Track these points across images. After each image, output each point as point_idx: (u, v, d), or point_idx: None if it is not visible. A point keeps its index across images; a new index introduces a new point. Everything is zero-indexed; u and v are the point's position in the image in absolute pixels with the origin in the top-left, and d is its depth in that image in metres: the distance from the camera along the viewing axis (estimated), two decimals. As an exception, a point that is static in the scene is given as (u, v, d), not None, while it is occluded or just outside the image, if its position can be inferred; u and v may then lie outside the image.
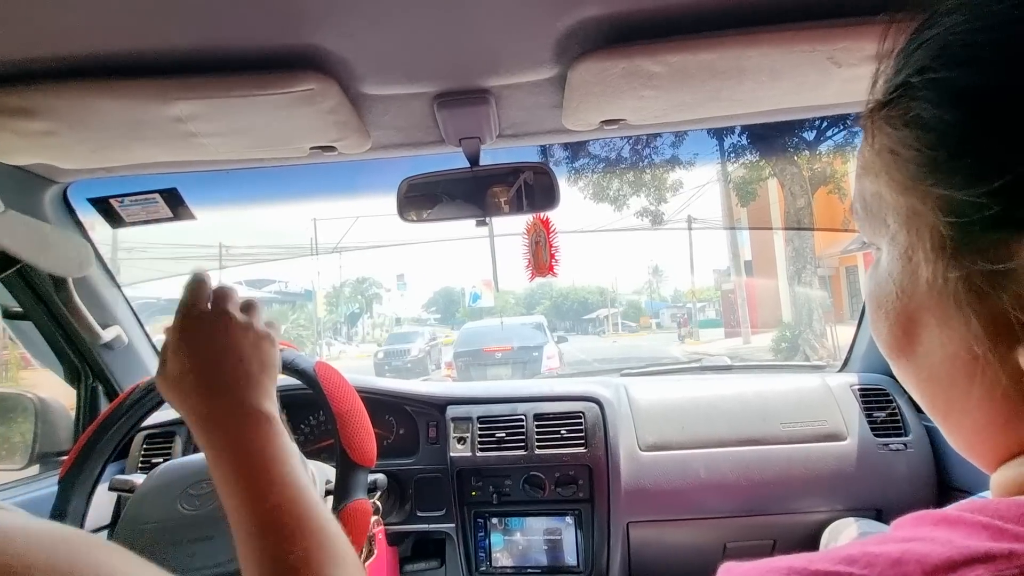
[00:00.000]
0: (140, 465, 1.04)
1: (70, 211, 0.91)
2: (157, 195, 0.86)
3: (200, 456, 0.81)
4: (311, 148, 0.77)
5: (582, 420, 1.06)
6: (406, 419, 1.13)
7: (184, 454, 1.04)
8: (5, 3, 0.51)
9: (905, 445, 0.97)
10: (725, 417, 1.06)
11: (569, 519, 1.03)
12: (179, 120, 0.65)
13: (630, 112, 0.71)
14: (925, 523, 0.27)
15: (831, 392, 1.08)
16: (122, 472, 0.97)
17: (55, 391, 1.07)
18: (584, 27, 0.59)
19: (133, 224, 0.90)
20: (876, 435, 0.99)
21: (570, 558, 1.02)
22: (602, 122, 0.74)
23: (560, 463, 1.03)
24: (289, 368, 0.81)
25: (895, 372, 0.30)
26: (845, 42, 0.56)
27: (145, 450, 1.05)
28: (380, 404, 1.09)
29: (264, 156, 0.79)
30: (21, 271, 0.88)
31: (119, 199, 0.86)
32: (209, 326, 0.48)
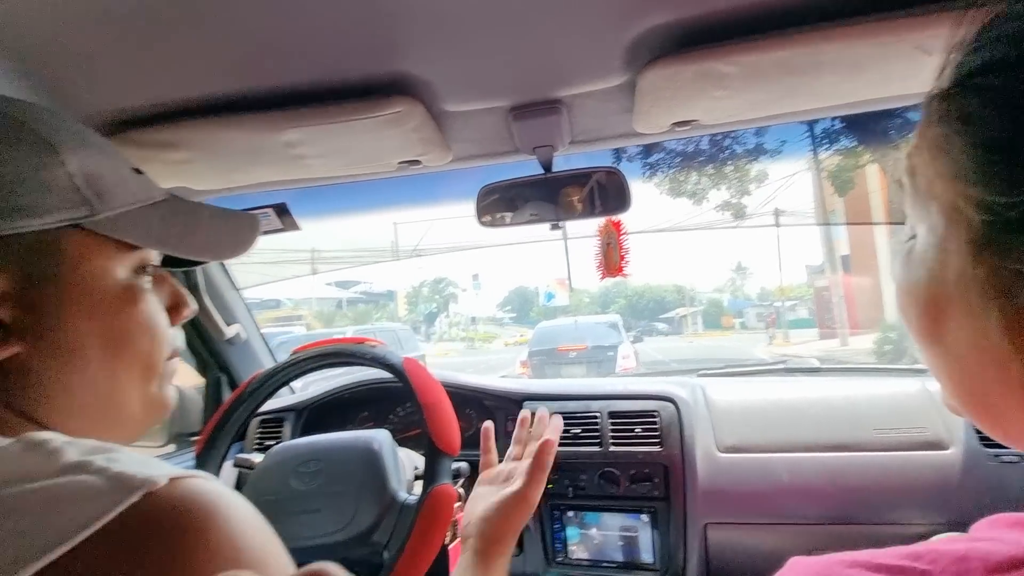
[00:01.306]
0: (255, 446, 1.18)
1: (200, 225, 1.06)
2: (270, 209, 0.98)
3: (307, 439, 0.91)
4: (399, 163, 0.84)
5: (657, 419, 1.06)
6: (485, 413, 1.19)
7: (292, 437, 1.17)
8: (157, 60, 0.62)
9: (1021, 457, 0.88)
10: (811, 421, 1.02)
11: (645, 516, 1.04)
12: (289, 145, 0.75)
13: (702, 113, 0.71)
14: (1000, 525, 0.28)
15: (932, 398, 1.00)
16: (241, 452, 1.11)
17: (186, 380, 1.25)
18: (652, 34, 0.61)
19: (250, 235, 1.03)
20: (985, 445, 0.90)
21: (646, 555, 1.03)
22: (673, 124, 0.75)
23: (635, 460, 1.04)
24: (381, 363, 0.89)
25: (924, 358, 0.31)
26: (935, 30, 0.53)
27: (260, 433, 1.19)
28: (461, 398, 1.15)
29: (358, 172, 0.88)
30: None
31: (239, 214, 0.99)
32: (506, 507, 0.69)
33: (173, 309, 0.46)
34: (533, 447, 0.67)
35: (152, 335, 0.41)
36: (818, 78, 0.62)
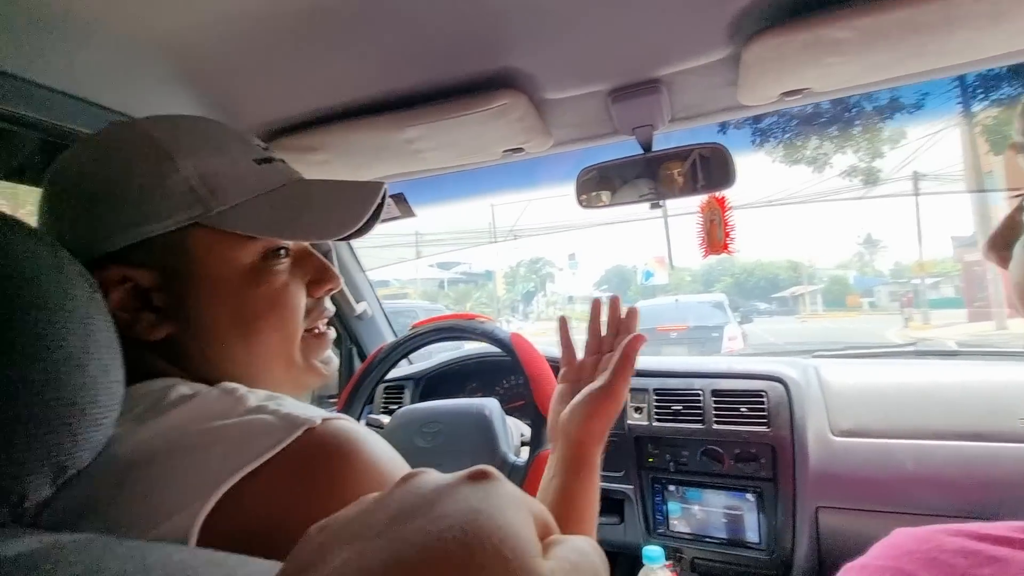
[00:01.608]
0: (381, 409, 1.34)
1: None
2: (390, 199, 1.10)
3: (427, 404, 1.02)
4: (503, 151, 0.90)
5: (764, 399, 1.04)
6: (585, 387, 1.24)
7: (411, 403, 1.31)
8: (304, 76, 0.73)
9: None
10: (942, 407, 0.94)
11: (750, 496, 1.03)
12: (409, 141, 0.84)
13: (814, 81, 0.68)
14: None
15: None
16: (371, 413, 1.26)
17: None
18: (757, 5, 0.59)
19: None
20: None
21: (751, 535, 1.02)
22: (782, 94, 0.72)
23: (740, 439, 1.03)
24: (489, 337, 0.97)
25: None
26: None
27: (385, 398, 1.35)
28: (562, 372, 1.21)
29: (466, 162, 0.95)
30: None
31: (364, 205, 1.11)
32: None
33: (316, 283, 0.49)
34: (622, 340, 0.58)
35: (281, 312, 0.45)
36: (950, 34, 0.56)
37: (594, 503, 0.57)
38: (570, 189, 0.95)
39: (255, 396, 0.38)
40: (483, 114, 0.76)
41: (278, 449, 0.32)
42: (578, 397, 0.58)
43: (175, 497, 0.32)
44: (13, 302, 0.28)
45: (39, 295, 0.29)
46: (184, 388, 0.39)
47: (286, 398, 0.38)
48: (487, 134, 0.82)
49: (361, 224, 0.46)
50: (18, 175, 0.73)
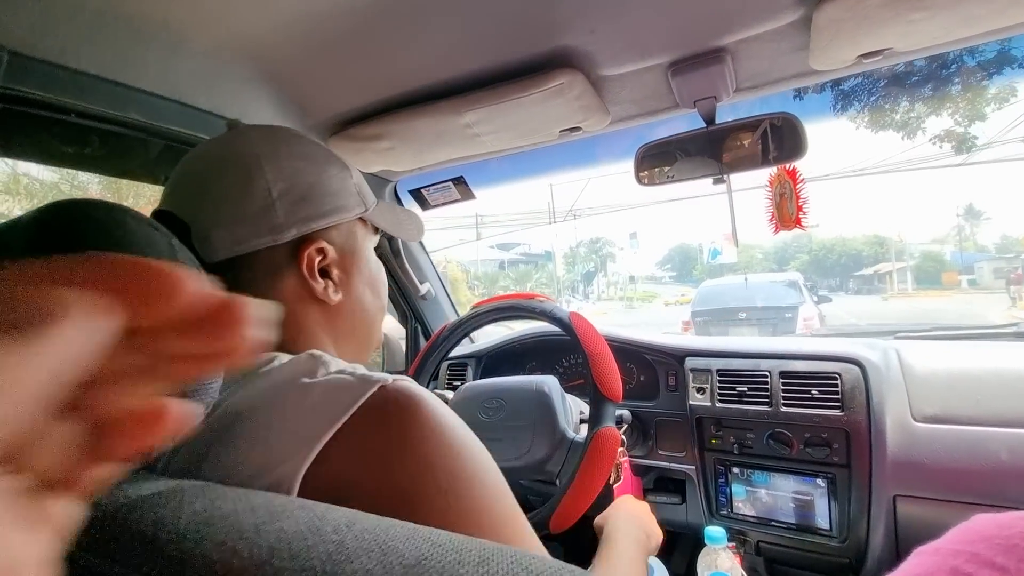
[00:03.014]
0: (446, 385, 1.40)
1: (398, 200, 1.27)
2: (450, 183, 1.13)
3: (489, 380, 1.06)
4: (560, 131, 0.90)
5: (838, 382, 0.99)
6: (646, 367, 1.23)
7: (474, 379, 1.36)
8: (368, 70, 0.77)
9: None
10: (1047, 393, 0.85)
11: (821, 482, 0.99)
12: (467, 126, 0.86)
13: (896, 40, 0.63)
14: None
15: None
16: (436, 389, 1.32)
17: (392, 330, 1.51)
18: (832, -38, 0.56)
19: (435, 206, 1.20)
20: None
21: (822, 521, 0.99)
22: (860, 56, 0.67)
23: (810, 423, 0.99)
24: (549, 317, 0.99)
25: None
26: None
27: (449, 375, 1.41)
28: (622, 352, 1.21)
29: (524, 143, 0.96)
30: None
31: (427, 188, 1.16)
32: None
33: None
34: None
35: (384, 280, 0.61)
36: (1063, -24, 0.50)
37: None
38: (629, 166, 0.94)
39: (336, 363, 0.43)
40: (540, 94, 0.76)
41: (359, 404, 0.37)
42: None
43: (276, 453, 0.36)
44: None
45: None
46: (283, 357, 0.44)
47: (360, 366, 0.43)
48: (544, 114, 0.83)
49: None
50: (126, 173, 0.82)
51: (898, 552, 0.93)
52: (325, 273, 0.52)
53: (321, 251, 0.51)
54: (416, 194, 1.18)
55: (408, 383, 0.40)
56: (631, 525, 0.78)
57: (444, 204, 1.20)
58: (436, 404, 0.39)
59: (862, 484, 0.94)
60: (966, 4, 0.55)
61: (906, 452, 0.91)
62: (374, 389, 0.37)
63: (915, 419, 0.92)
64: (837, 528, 0.97)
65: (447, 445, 0.38)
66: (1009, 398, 0.88)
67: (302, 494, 0.34)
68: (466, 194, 1.16)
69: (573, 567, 0.21)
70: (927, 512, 0.89)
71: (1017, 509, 0.80)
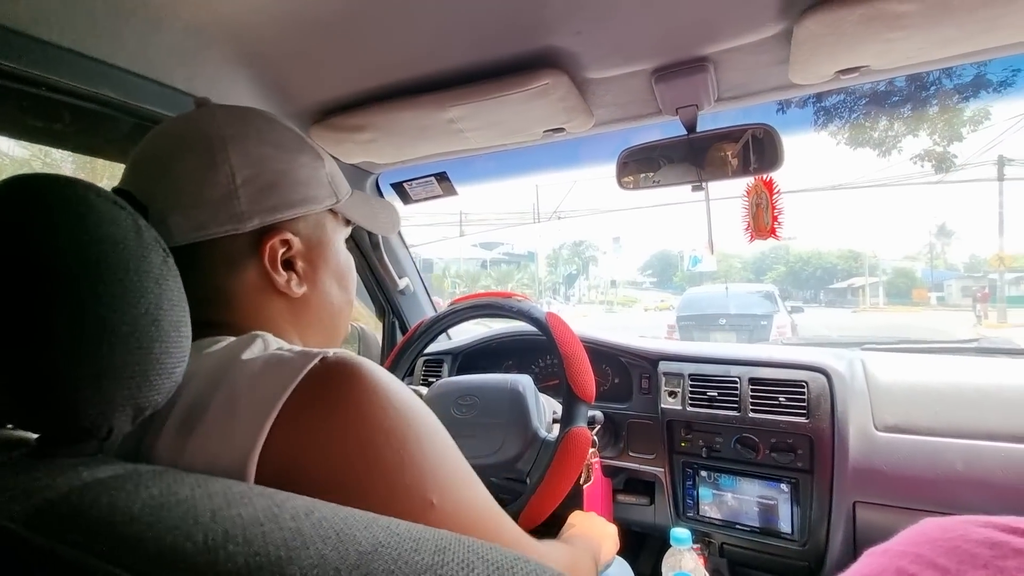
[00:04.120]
0: (421, 381, 1.39)
1: (380, 193, 1.26)
2: (433, 178, 1.13)
3: (464, 377, 1.06)
4: (544, 131, 0.90)
5: (804, 390, 1.01)
6: (621, 370, 1.24)
7: (449, 375, 1.36)
8: (353, 58, 0.76)
9: None
10: (1000, 407, 0.89)
11: (785, 486, 1.01)
12: (451, 121, 0.85)
13: (873, 58, 0.65)
14: None
15: None
16: (411, 384, 1.31)
17: (368, 323, 1.50)
18: (813, -22, 0.57)
19: (417, 201, 1.19)
20: None
21: (784, 525, 1.01)
22: (837, 72, 0.69)
23: (777, 429, 1.01)
24: (526, 316, 0.99)
25: None
26: None
27: (424, 370, 1.40)
28: (597, 354, 1.22)
29: (507, 141, 0.96)
30: (352, 235, 1.25)
31: (409, 182, 1.15)
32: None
33: None
34: None
35: (352, 274, 0.59)
36: (1029, 5, 0.52)
37: None
38: (612, 169, 0.95)
39: (277, 342, 0.43)
40: (525, 94, 0.76)
41: (300, 378, 0.36)
42: None
43: (227, 437, 0.36)
44: (101, 261, 0.32)
45: (123, 256, 0.33)
46: (228, 339, 0.44)
47: (296, 344, 0.44)
48: (528, 114, 0.83)
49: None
50: (96, 151, 0.80)
51: (856, 556, 0.96)
52: (289, 265, 0.50)
53: (286, 242, 0.49)
54: (398, 188, 1.17)
55: (347, 354, 0.39)
56: (590, 536, 0.80)
57: (426, 199, 1.19)
58: (377, 370, 0.39)
59: (824, 490, 0.96)
60: (941, 27, 0.57)
61: (867, 460, 0.93)
62: (315, 362, 0.37)
63: (877, 428, 0.95)
64: (799, 532, 0.99)
65: (393, 408, 0.38)
66: (966, 410, 0.91)
67: (259, 475, 0.34)
68: (448, 190, 1.15)
69: (527, 557, 0.22)
70: (885, 518, 0.91)
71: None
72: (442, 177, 1.12)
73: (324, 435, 0.36)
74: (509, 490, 1.06)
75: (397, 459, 0.36)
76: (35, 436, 0.35)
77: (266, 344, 0.41)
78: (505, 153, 1.09)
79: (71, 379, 0.31)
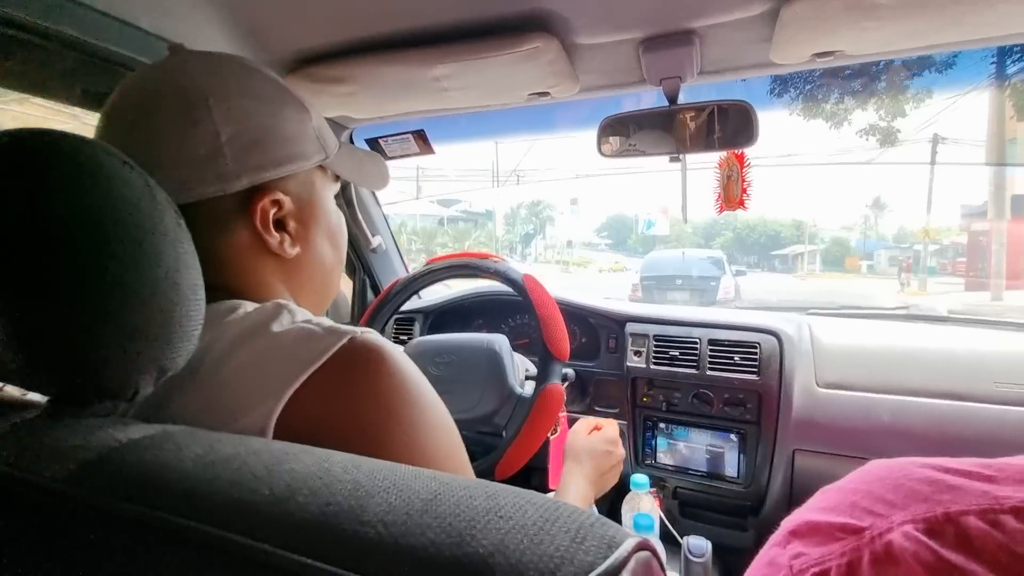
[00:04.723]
0: (392, 339, 1.40)
1: (351, 148, 1.23)
2: (410, 135, 1.10)
3: (441, 336, 1.08)
4: (529, 94, 0.90)
5: (757, 350, 1.10)
6: (589, 329, 1.30)
7: (421, 334, 1.38)
8: (333, 3, 0.72)
9: None
10: (924, 368, 1.00)
11: (733, 437, 1.12)
12: (437, 79, 0.84)
13: (848, 44, 0.68)
14: None
15: (1078, 358, 0.93)
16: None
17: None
18: (803, -38, 0.59)
19: (392, 158, 1.17)
20: None
21: (730, 470, 1.12)
22: (814, 55, 0.73)
23: (730, 386, 1.10)
24: (503, 277, 1.01)
25: None
26: None
27: (395, 329, 1.41)
28: (568, 315, 1.25)
29: (492, 102, 0.95)
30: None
31: (385, 139, 1.12)
32: (613, 457, 0.89)
33: None
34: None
35: (344, 230, 0.58)
36: (991, 6, 0.57)
37: None
38: (581, 134, 0.96)
39: (301, 312, 0.44)
40: (514, 56, 0.76)
41: (329, 354, 0.38)
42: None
43: (249, 398, 0.37)
44: (118, 223, 0.32)
45: (138, 219, 0.33)
46: (248, 305, 0.44)
47: (324, 318, 0.44)
48: (516, 76, 0.83)
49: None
50: (56, 94, 0.74)
51: (791, 495, 1.08)
52: (280, 225, 0.49)
53: (276, 202, 0.47)
54: (373, 143, 1.14)
55: (374, 336, 0.41)
56: (589, 467, 0.85)
57: (402, 157, 1.17)
58: (400, 357, 0.41)
59: (768, 439, 1.07)
60: (912, 19, 0.61)
61: (808, 413, 1.04)
62: (344, 341, 0.38)
63: (818, 385, 1.06)
64: (744, 476, 1.10)
65: (410, 396, 0.40)
66: (895, 369, 1.03)
67: (278, 438, 0.35)
68: (425, 148, 1.14)
69: (566, 504, 0.25)
70: (820, 464, 1.03)
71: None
72: (420, 135, 1.10)
73: (342, 410, 0.38)
74: (482, 443, 1.12)
75: (404, 441, 0.39)
76: (36, 397, 0.35)
77: (292, 316, 0.42)
78: (484, 113, 1.08)
79: (98, 340, 0.31)
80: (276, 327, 0.40)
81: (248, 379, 0.38)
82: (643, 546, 0.22)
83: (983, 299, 10.43)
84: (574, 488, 0.80)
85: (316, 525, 0.22)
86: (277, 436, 0.36)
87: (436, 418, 0.42)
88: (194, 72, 0.46)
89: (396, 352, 0.41)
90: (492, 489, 0.25)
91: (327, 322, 0.41)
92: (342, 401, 0.38)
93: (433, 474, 0.27)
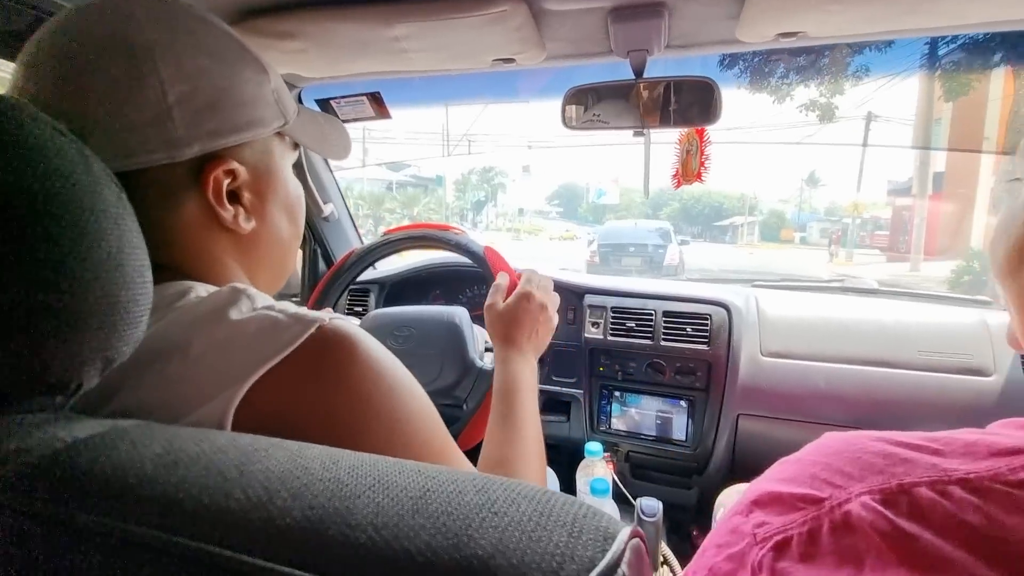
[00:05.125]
0: (346, 311, 1.36)
1: (300, 109, 1.15)
2: (364, 98, 1.04)
3: (399, 309, 1.06)
4: (493, 60, 0.87)
5: (708, 322, 1.15)
6: (548, 302, 1.31)
7: (377, 306, 1.34)
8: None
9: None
10: (856, 337, 1.08)
11: (683, 403, 1.17)
12: (396, 39, 0.79)
13: (812, 25, 0.69)
14: (1011, 426, 0.35)
15: (987, 329, 1.03)
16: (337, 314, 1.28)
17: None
18: (775, -61, 0.59)
19: (345, 121, 1.10)
20: (1030, 378, 0.95)
21: (678, 434, 1.18)
22: (778, 35, 0.74)
23: (682, 356, 1.15)
24: (464, 250, 1.00)
25: (1002, 293, 0.36)
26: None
27: (349, 301, 1.37)
28: (527, 287, 1.27)
29: (454, 67, 0.91)
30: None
31: (337, 100, 1.05)
32: (538, 309, 0.74)
33: None
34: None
35: (303, 211, 0.55)
36: (944, -4, 0.59)
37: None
38: (541, 103, 0.94)
39: (261, 297, 0.41)
40: (480, 19, 0.72)
41: (296, 345, 0.36)
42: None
43: (206, 387, 0.34)
44: (51, 200, 0.28)
45: (74, 193, 0.29)
46: (200, 288, 0.40)
47: (288, 303, 0.41)
48: (481, 40, 0.79)
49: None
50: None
51: (734, 456, 1.15)
52: (234, 198, 0.45)
53: (230, 172, 0.43)
54: (324, 104, 1.07)
55: (346, 323, 0.39)
56: (527, 363, 0.71)
57: (355, 120, 1.11)
58: (373, 344, 0.39)
59: (715, 405, 1.13)
60: (872, 6, 0.62)
61: (752, 380, 1.10)
62: (312, 330, 0.36)
63: (763, 354, 1.12)
64: (691, 440, 1.17)
65: (386, 384, 0.39)
66: (831, 339, 1.10)
67: (237, 430, 0.33)
68: (381, 112, 1.08)
69: (561, 495, 0.25)
70: (760, 426, 1.10)
71: (829, 426, 1.01)
72: (375, 97, 1.05)
73: (311, 401, 0.36)
74: (445, 416, 1.12)
75: (384, 434, 0.38)
76: None
77: (252, 302, 0.39)
78: (441, 77, 1.03)
79: (35, 331, 0.28)
80: (235, 314, 0.37)
81: (206, 369, 0.35)
82: (635, 534, 0.22)
83: (903, 270, 11.35)
84: (513, 368, 0.69)
85: (300, 531, 0.21)
86: (236, 429, 0.33)
87: (415, 405, 0.41)
88: (139, 22, 0.40)
89: (368, 340, 0.39)
90: (481, 482, 0.24)
91: (291, 308, 0.39)
92: (312, 393, 0.36)
93: (417, 467, 0.26)
